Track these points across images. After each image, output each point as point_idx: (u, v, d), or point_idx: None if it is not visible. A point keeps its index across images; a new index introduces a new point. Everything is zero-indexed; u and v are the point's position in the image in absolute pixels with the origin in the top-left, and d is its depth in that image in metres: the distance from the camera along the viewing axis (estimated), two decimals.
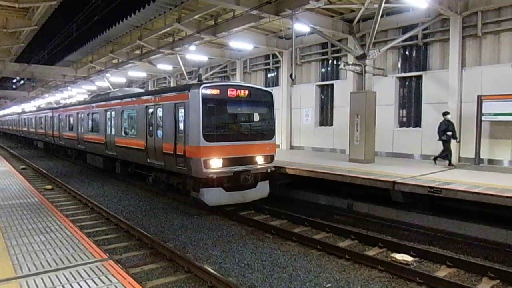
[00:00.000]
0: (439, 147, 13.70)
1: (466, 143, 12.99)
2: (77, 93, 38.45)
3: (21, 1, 12.56)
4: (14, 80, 50.07)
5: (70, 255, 4.84)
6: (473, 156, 12.55)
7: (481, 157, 12.48)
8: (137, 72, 26.70)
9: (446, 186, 8.59)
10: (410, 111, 15.21)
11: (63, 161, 23.97)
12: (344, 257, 7.37)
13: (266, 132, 11.68)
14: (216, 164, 10.34)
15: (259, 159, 11.20)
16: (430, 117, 14.14)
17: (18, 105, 57.11)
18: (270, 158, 11.54)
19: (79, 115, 20.24)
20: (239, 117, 11.59)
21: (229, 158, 10.55)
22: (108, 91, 21.47)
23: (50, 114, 27.04)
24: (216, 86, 10.84)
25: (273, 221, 10.12)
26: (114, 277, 4.17)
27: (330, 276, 6.55)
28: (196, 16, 16.07)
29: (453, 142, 12.41)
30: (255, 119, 11.90)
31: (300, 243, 8.28)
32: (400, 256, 7.18)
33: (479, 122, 12.24)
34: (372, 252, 7.74)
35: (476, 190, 8.14)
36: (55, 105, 33.60)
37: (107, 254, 4.88)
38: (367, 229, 9.33)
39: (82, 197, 12.33)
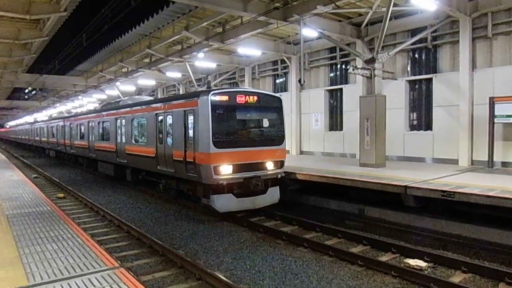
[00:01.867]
0: (451, 150, 13.61)
1: (479, 146, 12.81)
2: (87, 102, 38.91)
3: (32, 13, 12.78)
4: (26, 90, 50.87)
5: (82, 263, 4.85)
6: (486, 159, 12.36)
7: (494, 160, 12.27)
8: (146, 80, 26.95)
9: (459, 190, 8.46)
10: (421, 114, 15.06)
11: (75, 169, 24.19)
12: (357, 263, 7.28)
13: (275, 137, 11.64)
14: (226, 170, 10.34)
15: (269, 165, 11.16)
16: (441, 120, 14.01)
17: (30, 115, 57.96)
18: (280, 164, 11.50)
19: (90, 124, 20.45)
20: (248, 123, 11.58)
21: (239, 164, 10.54)
22: (118, 99, 21.72)
23: (61, 123, 27.36)
24: (225, 92, 10.87)
25: (284, 227, 10.05)
26: (126, 285, 4.15)
27: (343, 283, 6.47)
28: (204, 24, 16.20)
29: (466, 144, 12.25)
30: (264, 125, 11.86)
31: (312, 249, 8.21)
32: (413, 262, 7.07)
33: (491, 124, 12.07)
34: (385, 257, 7.64)
35: (490, 194, 8.00)
36: (66, 114, 34.01)
37: (119, 262, 4.87)
38: (379, 234, 9.21)
39: (93, 205, 12.40)
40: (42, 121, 38.70)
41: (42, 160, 32.60)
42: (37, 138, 38.12)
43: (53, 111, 48.39)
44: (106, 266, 4.65)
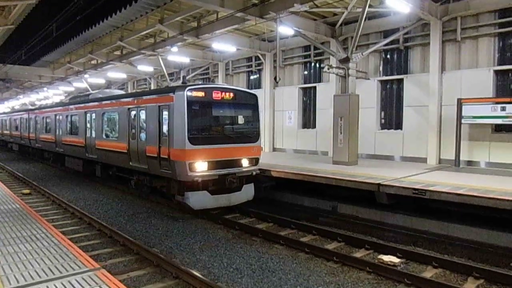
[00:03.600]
0: (420, 149, 14.04)
1: (446, 145, 13.29)
2: (53, 94, 37.51)
3: None
4: None
5: (59, 264, 4.65)
6: (453, 158, 12.82)
7: (461, 158, 12.73)
8: (116, 73, 26.21)
9: (431, 188, 8.75)
10: (392, 114, 15.44)
11: (40, 164, 23.31)
12: (333, 260, 7.41)
13: (251, 134, 11.65)
14: (201, 167, 10.25)
15: (244, 162, 11.17)
16: (411, 120, 14.42)
17: None
18: (255, 161, 11.53)
19: (58, 117, 19.75)
20: (224, 119, 11.53)
21: (214, 161, 10.48)
22: (88, 92, 21.05)
23: (26, 115, 26.30)
24: (201, 88, 10.75)
25: (259, 224, 10.09)
26: (108, 286, 4.04)
27: (319, 279, 6.57)
28: (179, 18, 15.91)
29: (434, 143, 12.64)
30: (240, 122, 11.84)
31: (288, 246, 8.29)
32: (387, 258, 7.28)
33: (459, 124, 12.53)
34: (359, 254, 7.81)
35: (459, 192, 8.31)
36: (30, 107, 32.71)
37: (99, 263, 4.73)
38: (353, 230, 9.42)
39: (62, 201, 12.01)
40: (4, 113, 37.06)
41: (4, 154, 31.23)
42: None
43: (15, 103, 46.37)
44: (86, 268, 4.48)
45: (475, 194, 8.07)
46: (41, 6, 12.60)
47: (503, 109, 11.63)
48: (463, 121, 12.44)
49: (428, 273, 6.85)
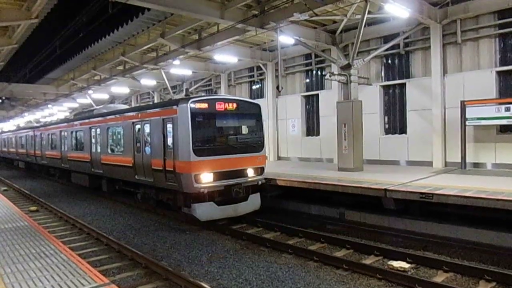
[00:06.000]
0: (425, 152, 14.00)
1: (452, 148, 13.24)
2: (58, 111, 37.85)
3: (1, 20, 12.33)
4: None
5: (69, 281, 4.65)
6: (459, 160, 12.76)
7: (467, 161, 12.68)
8: (120, 88, 26.41)
9: (438, 192, 8.70)
10: (395, 119, 15.43)
11: (46, 181, 23.43)
12: (342, 267, 7.35)
13: (255, 144, 11.67)
14: (207, 178, 10.26)
15: (250, 172, 11.17)
16: (415, 124, 14.40)
17: None
18: (260, 170, 11.52)
19: (63, 133, 19.90)
20: (228, 130, 11.56)
21: (220, 172, 10.49)
22: (92, 108, 21.24)
23: (31, 133, 26.52)
24: (204, 100, 10.81)
25: (266, 233, 10.05)
26: None
27: None
28: (180, 31, 16.08)
29: (439, 146, 12.60)
30: (244, 132, 11.88)
31: (296, 255, 8.24)
32: (397, 263, 7.21)
33: (463, 127, 12.50)
34: (368, 260, 7.75)
35: (467, 194, 8.26)
36: (35, 124, 33.01)
37: (109, 278, 4.73)
38: (361, 237, 9.35)
39: (69, 217, 12.02)
40: (10, 131, 37.43)
41: (10, 172, 31.42)
42: (5, 149, 36.80)
43: (21, 121, 46.81)
44: (96, 283, 4.48)
45: (482, 196, 8.02)
46: (44, 25, 12.79)
47: (508, 109, 11.61)
48: (467, 123, 12.41)
49: (439, 277, 6.78)
